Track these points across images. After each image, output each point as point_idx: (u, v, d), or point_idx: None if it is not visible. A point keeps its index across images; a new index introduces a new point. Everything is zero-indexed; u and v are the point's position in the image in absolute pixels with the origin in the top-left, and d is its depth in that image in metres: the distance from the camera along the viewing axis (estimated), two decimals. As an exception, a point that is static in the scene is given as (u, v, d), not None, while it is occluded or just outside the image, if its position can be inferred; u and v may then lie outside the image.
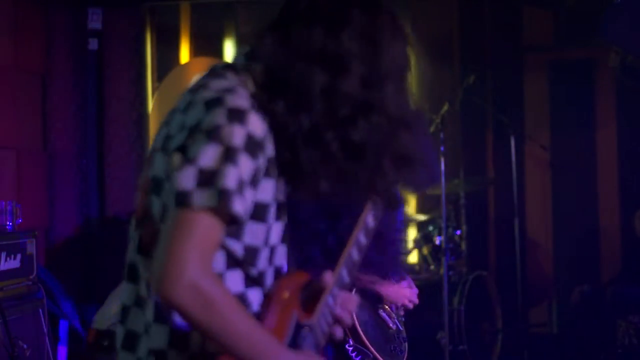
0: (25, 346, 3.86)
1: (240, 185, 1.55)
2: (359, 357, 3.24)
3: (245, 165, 1.56)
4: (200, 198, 1.52)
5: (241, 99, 1.61)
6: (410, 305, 3.44)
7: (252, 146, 1.57)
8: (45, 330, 4.12)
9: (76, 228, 5.90)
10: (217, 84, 1.64)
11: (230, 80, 1.66)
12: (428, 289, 5.31)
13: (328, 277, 1.81)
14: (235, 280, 1.65)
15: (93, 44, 5.92)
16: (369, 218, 1.96)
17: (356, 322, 3.25)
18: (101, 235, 5.90)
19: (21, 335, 3.88)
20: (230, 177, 1.54)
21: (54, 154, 5.73)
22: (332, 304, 1.81)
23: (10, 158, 5.25)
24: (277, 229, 1.70)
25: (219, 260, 1.62)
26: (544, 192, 6.73)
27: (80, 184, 5.95)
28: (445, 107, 5.70)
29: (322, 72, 1.65)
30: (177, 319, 1.61)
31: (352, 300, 1.87)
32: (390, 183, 1.73)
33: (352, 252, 1.93)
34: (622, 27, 5.49)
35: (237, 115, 1.57)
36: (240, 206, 1.55)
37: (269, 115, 1.63)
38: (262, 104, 1.64)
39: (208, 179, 1.53)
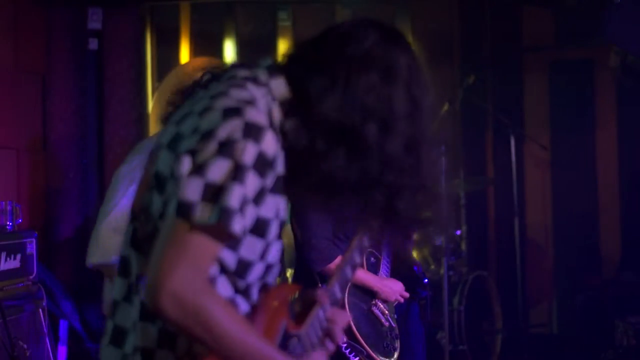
0: (25, 346, 3.86)
1: (243, 204, 1.56)
2: (353, 353, 3.26)
3: (251, 184, 1.56)
4: (202, 213, 1.53)
5: (260, 114, 1.60)
6: (402, 300, 3.51)
7: (262, 165, 1.57)
8: (45, 330, 4.12)
9: (76, 228, 5.89)
10: (238, 94, 1.63)
11: (251, 91, 1.65)
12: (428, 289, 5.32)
13: (321, 292, 1.83)
14: (225, 286, 1.65)
15: (93, 44, 5.92)
16: (364, 238, 2.00)
17: (350, 320, 3.28)
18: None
19: (21, 335, 3.88)
20: (234, 196, 1.54)
21: (54, 154, 5.73)
22: (323, 318, 1.82)
23: (10, 158, 5.26)
24: (276, 248, 1.70)
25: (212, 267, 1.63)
26: (544, 192, 6.73)
27: (80, 184, 5.95)
28: (445, 107, 5.70)
29: (374, 127, 1.65)
30: None
31: (344, 317, 1.87)
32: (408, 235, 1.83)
33: (346, 270, 1.97)
34: (622, 27, 5.49)
35: (253, 132, 1.56)
36: (239, 225, 1.55)
37: (292, 144, 1.64)
38: (287, 132, 1.64)
39: (213, 194, 1.53)
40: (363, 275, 3.41)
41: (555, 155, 6.64)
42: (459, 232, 5.97)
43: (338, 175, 1.65)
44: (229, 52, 6.47)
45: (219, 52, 6.45)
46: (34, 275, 4.17)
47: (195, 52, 6.43)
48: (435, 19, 6.73)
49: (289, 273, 5.34)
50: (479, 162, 6.67)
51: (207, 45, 6.55)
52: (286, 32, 6.48)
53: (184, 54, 6.41)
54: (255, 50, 6.39)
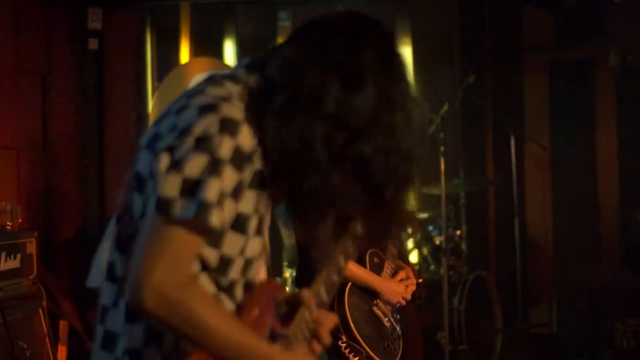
0: (25, 346, 3.86)
1: (221, 198, 1.57)
2: (352, 353, 3.25)
3: (228, 178, 1.58)
4: (180, 208, 1.54)
5: (236, 110, 1.62)
6: (404, 303, 3.48)
7: (239, 159, 1.59)
8: (45, 330, 4.12)
9: (76, 228, 5.90)
10: (214, 91, 1.65)
11: (228, 89, 1.67)
12: (428, 289, 5.32)
13: (307, 293, 1.84)
14: (207, 284, 1.66)
15: (93, 44, 5.92)
16: (350, 242, 2.01)
17: (349, 320, 3.27)
18: (101, 235, 5.90)
19: (21, 335, 3.89)
20: (212, 189, 1.55)
21: (54, 154, 5.74)
22: (309, 319, 1.83)
23: (10, 158, 5.26)
24: (255, 243, 1.71)
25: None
26: (544, 192, 6.73)
27: (80, 184, 5.95)
28: (445, 107, 5.69)
29: (351, 121, 1.66)
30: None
31: (330, 319, 1.88)
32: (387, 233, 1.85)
33: (331, 274, 2.00)
34: (622, 27, 5.50)
35: (229, 126, 1.58)
36: (218, 219, 1.56)
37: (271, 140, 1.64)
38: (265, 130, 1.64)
39: (191, 188, 1.54)
40: (366, 276, 3.40)
41: (555, 155, 6.65)
42: (459, 232, 5.97)
43: (320, 169, 1.65)
44: (229, 52, 6.47)
45: (219, 52, 6.45)
46: (34, 275, 4.17)
47: (195, 52, 6.43)
48: (435, 19, 6.73)
49: (288, 274, 5.35)
50: (479, 162, 6.67)
51: (207, 45, 6.56)
52: (286, 32, 6.48)
53: (184, 54, 6.41)
54: (255, 50, 6.37)
